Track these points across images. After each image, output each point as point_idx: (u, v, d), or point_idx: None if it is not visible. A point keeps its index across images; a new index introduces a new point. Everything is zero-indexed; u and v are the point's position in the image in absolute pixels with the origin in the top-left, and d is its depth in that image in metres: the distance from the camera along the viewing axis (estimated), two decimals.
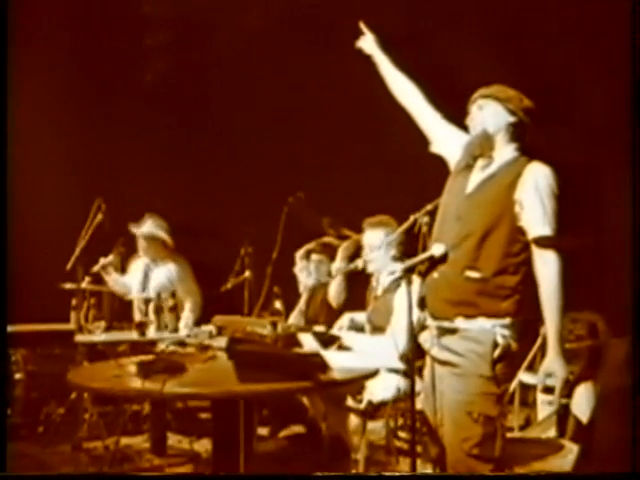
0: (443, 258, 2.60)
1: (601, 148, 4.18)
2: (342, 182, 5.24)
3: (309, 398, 4.18)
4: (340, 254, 4.39)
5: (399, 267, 2.77)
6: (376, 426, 4.16)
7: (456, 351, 2.51)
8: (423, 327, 2.67)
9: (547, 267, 2.42)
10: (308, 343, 2.79)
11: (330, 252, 4.56)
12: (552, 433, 3.70)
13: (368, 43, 3.04)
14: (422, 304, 2.64)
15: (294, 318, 4.60)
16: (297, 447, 4.42)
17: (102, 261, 4.78)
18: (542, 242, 2.44)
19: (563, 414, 3.56)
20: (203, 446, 4.26)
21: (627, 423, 2.47)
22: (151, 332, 4.29)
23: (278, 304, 4.01)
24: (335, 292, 4.38)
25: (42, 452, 4.37)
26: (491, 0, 4.72)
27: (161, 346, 3.36)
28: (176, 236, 5.07)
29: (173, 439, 4.61)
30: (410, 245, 3.42)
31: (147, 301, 4.52)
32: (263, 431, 4.62)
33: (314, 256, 4.65)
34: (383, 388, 3.52)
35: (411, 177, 4.88)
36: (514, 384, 4.03)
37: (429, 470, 3.10)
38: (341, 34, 3.30)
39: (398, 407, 3.82)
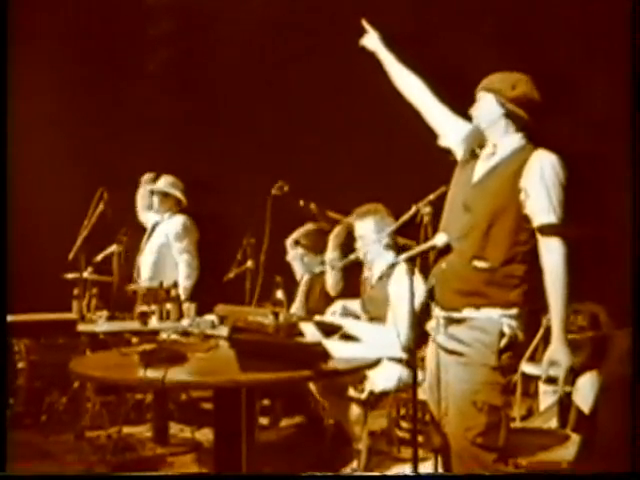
0: (446, 248, 2.61)
1: (604, 139, 4.16)
2: (343, 170, 5.22)
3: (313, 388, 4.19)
4: (331, 243, 4.37)
5: (400, 257, 2.78)
6: (378, 416, 4.16)
7: (463, 340, 2.51)
8: (427, 316, 2.67)
9: (552, 255, 2.41)
10: (310, 332, 2.79)
11: (319, 238, 4.53)
12: (554, 424, 3.70)
13: (372, 40, 3.03)
14: (431, 295, 2.64)
15: (295, 309, 4.60)
16: (299, 437, 4.43)
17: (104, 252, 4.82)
18: (547, 230, 2.43)
19: (565, 405, 3.56)
20: (205, 435, 4.28)
21: (627, 418, 2.46)
22: (153, 322, 4.30)
23: (279, 294, 3.99)
24: (333, 282, 4.38)
25: (45, 441, 4.39)
26: None
27: (163, 335, 3.36)
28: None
29: (175, 428, 4.63)
30: (404, 234, 3.42)
31: (150, 290, 4.53)
32: (265, 421, 4.64)
33: (298, 249, 4.63)
34: (385, 378, 3.52)
35: (410, 166, 4.87)
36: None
37: (430, 460, 3.12)
38: (344, 25, 3.29)
39: (400, 397, 3.83)
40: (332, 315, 3.76)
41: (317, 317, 3.54)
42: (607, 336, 3.63)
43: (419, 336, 2.68)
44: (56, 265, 4.85)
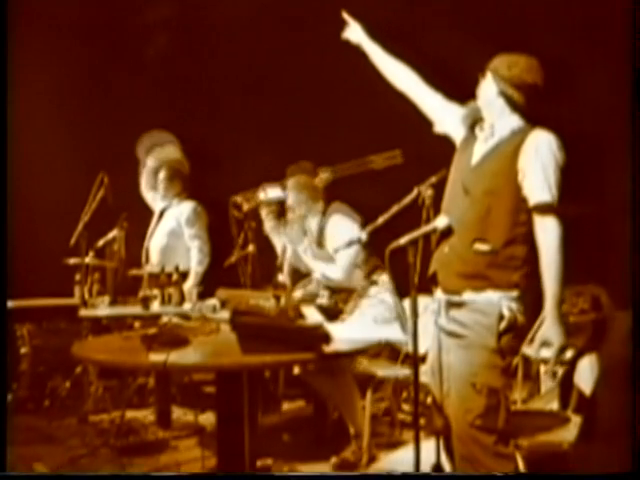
0: (447, 231, 2.61)
1: (603, 119, 4.13)
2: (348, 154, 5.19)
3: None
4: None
5: (401, 240, 2.77)
6: (379, 399, 4.19)
7: (463, 322, 2.52)
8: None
9: (547, 234, 2.41)
10: (311, 316, 2.80)
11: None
12: (555, 405, 3.71)
13: (354, 33, 3.03)
14: (433, 279, 2.64)
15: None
16: (302, 421, 4.45)
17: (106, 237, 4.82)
18: (542, 209, 2.43)
19: (566, 387, 3.57)
20: (208, 419, 4.29)
21: (628, 400, 2.46)
22: (155, 306, 4.30)
23: (281, 277, 4.01)
24: None
25: (48, 425, 4.42)
26: None
27: (164, 319, 3.37)
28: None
29: (178, 412, 4.65)
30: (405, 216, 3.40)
31: (152, 275, 4.53)
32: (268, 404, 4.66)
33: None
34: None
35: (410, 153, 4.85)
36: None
37: (432, 442, 3.13)
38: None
39: (402, 380, 3.84)
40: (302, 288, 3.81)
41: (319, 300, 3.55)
42: (608, 318, 3.63)
43: None
44: (58, 250, 4.85)
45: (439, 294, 2.63)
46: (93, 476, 2.78)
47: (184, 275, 4.43)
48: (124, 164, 5.22)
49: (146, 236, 5.25)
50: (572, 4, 4.36)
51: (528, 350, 3.89)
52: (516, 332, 2.51)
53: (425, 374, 2.85)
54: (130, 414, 4.48)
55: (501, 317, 2.45)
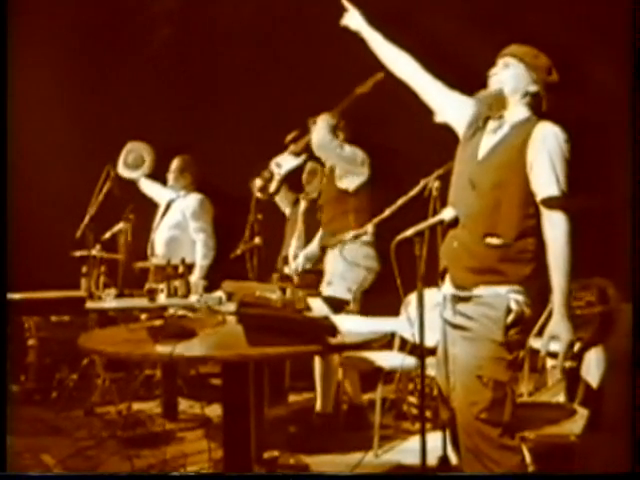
0: (455, 223, 2.60)
1: (609, 110, 4.11)
2: None
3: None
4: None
5: (407, 232, 2.77)
6: (386, 391, 4.18)
7: (469, 315, 2.51)
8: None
9: (555, 228, 2.40)
10: (317, 307, 2.80)
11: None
12: (561, 398, 3.71)
13: (354, 19, 3.00)
14: (443, 274, 2.64)
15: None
16: (308, 413, 4.45)
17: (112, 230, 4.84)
18: (550, 202, 2.41)
19: (573, 379, 3.56)
20: (214, 411, 4.30)
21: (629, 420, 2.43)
22: (161, 298, 4.31)
23: (287, 269, 4.01)
24: None
25: (56, 417, 4.44)
26: None
27: (170, 311, 3.37)
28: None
29: (184, 404, 4.66)
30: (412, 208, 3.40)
31: (158, 267, 4.54)
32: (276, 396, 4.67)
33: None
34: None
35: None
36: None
37: (439, 434, 3.14)
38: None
39: (408, 372, 3.85)
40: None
41: (324, 293, 3.54)
42: (615, 310, 3.62)
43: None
44: (65, 243, 4.86)
45: (446, 287, 2.62)
46: (93, 476, 2.78)
47: (190, 267, 4.44)
48: None
49: (152, 228, 5.27)
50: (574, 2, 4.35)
51: (536, 343, 3.89)
52: (523, 325, 2.49)
53: (432, 366, 2.85)
54: (137, 406, 4.51)
55: (509, 310, 2.44)
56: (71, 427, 4.25)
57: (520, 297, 2.45)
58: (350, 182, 4.20)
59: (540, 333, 4.07)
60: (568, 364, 2.41)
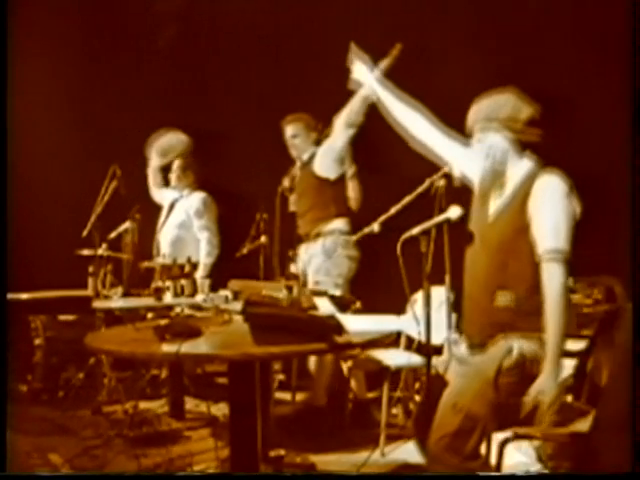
0: (460, 221, 2.61)
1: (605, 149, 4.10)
2: None
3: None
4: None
5: (413, 230, 2.76)
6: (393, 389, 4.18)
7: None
8: None
9: (551, 280, 2.35)
10: (323, 306, 2.79)
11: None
12: (568, 398, 3.70)
13: (367, 80, 3.05)
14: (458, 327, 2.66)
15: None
16: (314, 412, 4.45)
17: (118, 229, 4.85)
18: (548, 256, 2.38)
19: (579, 378, 3.55)
20: (220, 410, 4.31)
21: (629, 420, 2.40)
22: (167, 297, 4.32)
23: (293, 268, 4.01)
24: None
25: (62, 416, 4.45)
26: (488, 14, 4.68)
27: (177, 310, 3.38)
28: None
29: (191, 403, 4.67)
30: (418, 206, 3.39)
31: (164, 266, 4.54)
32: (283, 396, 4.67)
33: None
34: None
35: None
36: None
37: None
38: None
39: (415, 370, 3.85)
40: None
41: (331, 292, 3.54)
42: (622, 308, 3.61)
43: None
44: (71, 243, 4.87)
45: (459, 338, 2.65)
46: (93, 476, 2.79)
47: (194, 266, 4.45)
48: (136, 156, 5.24)
49: (157, 228, 5.28)
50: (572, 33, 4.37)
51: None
52: (521, 373, 2.43)
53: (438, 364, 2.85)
54: (143, 405, 4.51)
55: (509, 352, 2.42)
56: (78, 426, 4.26)
57: (525, 345, 2.42)
58: (332, 171, 4.24)
59: None
60: (548, 419, 2.33)
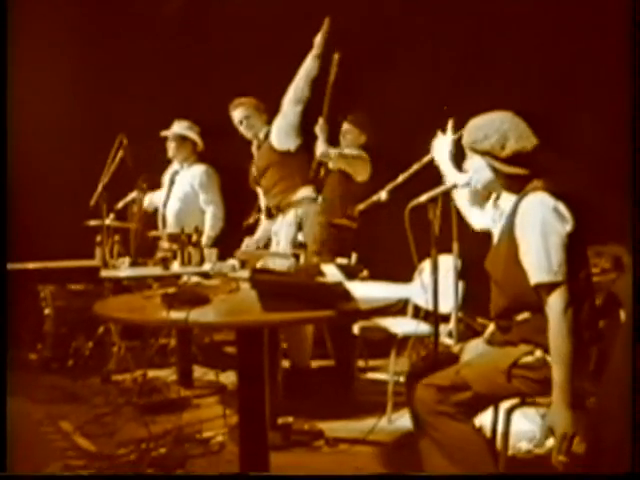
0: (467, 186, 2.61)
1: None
2: None
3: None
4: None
5: (422, 197, 2.75)
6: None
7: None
8: None
9: (551, 311, 2.28)
10: (331, 273, 2.79)
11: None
12: None
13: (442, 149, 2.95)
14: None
15: None
16: (323, 381, 4.48)
17: (125, 199, 4.85)
18: (540, 288, 2.31)
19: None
20: (228, 378, 4.34)
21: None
22: (175, 267, 4.33)
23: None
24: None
25: (73, 384, 4.49)
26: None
27: (184, 278, 3.39)
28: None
29: (199, 372, 4.71)
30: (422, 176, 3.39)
31: (171, 236, 4.55)
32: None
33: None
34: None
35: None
36: None
37: None
38: None
39: (422, 338, 3.86)
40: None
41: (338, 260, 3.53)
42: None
43: None
44: (79, 213, 4.87)
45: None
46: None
47: (189, 237, 4.47)
48: (143, 125, 5.22)
49: (160, 202, 5.28)
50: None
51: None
52: (533, 375, 2.39)
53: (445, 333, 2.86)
54: (152, 373, 4.55)
55: (530, 353, 2.38)
56: (88, 394, 4.31)
57: (548, 355, 2.33)
58: (291, 142, 4.36)
59: None
60: (561, 458, 2.21)
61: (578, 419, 2.23)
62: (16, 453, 3.04)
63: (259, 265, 2.98)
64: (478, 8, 4.69)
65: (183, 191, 5.23)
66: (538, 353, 2.38)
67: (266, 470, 2.63)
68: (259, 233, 4.64)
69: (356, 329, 4.01)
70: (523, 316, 2.43)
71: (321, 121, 4.38)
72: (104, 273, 4.43)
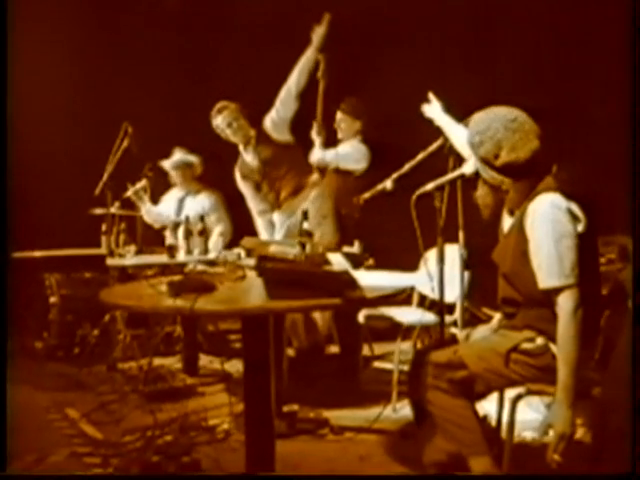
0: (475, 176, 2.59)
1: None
2: None
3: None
4: None
5: (428, 185, 2.75)
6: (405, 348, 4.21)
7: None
8: None
9: (561, 311, 2.28)
10: (337, 262, 2.79)
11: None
12: None
13: (435, 111, 3.07)
14: None
15: None
16: (328, 368, 4.49)
17: (134, 187, 4.82)
18: (550, 292, 2.31)
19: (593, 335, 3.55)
20: (234, 366, 4.35)
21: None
22: (181, 255, 4.34)
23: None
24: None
25: (79, 372, 4.50)
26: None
27: (190, 266, 3.39)
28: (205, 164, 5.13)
29: (204, 360, 4.72)
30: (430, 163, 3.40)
31: (176, 225, 4.55)
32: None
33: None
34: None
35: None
36: None
37: None
38: None
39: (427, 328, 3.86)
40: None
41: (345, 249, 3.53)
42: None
43: None
44: (85, 201, 4.87)
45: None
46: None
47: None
48: (148, 113, 5.21)
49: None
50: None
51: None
52: (542, 363, 2.39)
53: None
54: (157, 362, 4.57)
55: (531, 339, 2.40)
56: (94, 382, 4.32)
57: (552, 343, 2.35)
58: (287, 134, 4.34)
59: None
60: (555, 457, 2.22)
61: (583, 408, 2.24)
62: (23, 440, 3.07)
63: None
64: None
65: (194, 212, 5.12)
66: (540, 340, 2.39)
67: (271, 458, 2.64)
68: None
69: (361, 318, 4.00)
70: (529, 307, 2.43)
71: (316, 126, 4.45)
72: (110, 261, 4.44)
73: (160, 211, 5.10)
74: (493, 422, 2.89)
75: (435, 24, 5.02)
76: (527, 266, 2.37)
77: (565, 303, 2.26)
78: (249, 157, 4.42)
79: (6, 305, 2.79)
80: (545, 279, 2.30)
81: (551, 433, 2.28)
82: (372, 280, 2.64)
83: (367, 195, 3.99)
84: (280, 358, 3.53)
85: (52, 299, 4.94)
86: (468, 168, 2.65)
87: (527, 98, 2.66)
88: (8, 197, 2.70)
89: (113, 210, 4.74)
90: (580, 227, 2.33)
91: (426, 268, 3.06)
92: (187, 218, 4.50)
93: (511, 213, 2.54)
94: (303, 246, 2.92)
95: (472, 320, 3.91)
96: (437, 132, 3.20)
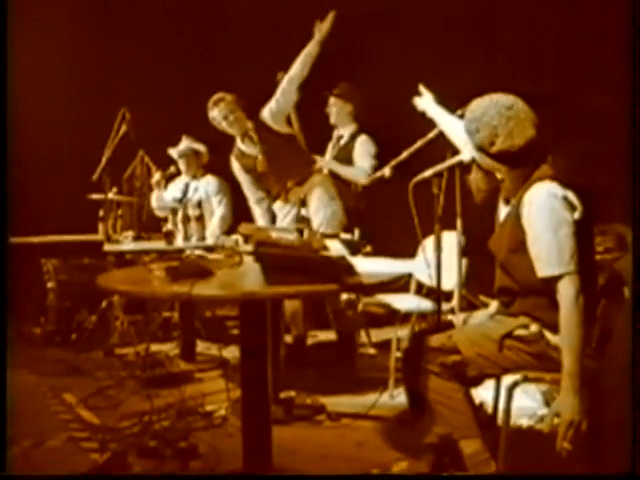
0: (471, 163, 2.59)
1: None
2: None
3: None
4: None
5: (426, 172, 2.75)
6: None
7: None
8: None
9: (562, 299, 2.27)
10: (335, 248, 2.79)
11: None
12: None
13: (426, 103, 3.06)
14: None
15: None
16: (325, 355, 4.50)
17: (157, 176, 4.82)
18: (549, 281, 2.30)
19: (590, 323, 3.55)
20: (231, 352, 4.36)
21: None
22: (178, 241, 4.33)
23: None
24: None
25: (76, 358, 4.51)
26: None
27: (187, 252, 3.39)
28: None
29: (202, 346, 4.73)
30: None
31: (174, 211, 4.54)
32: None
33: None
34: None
35: None
36: None
37: None
38: None
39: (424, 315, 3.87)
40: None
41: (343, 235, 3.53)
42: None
43: None
44: (82, 187, 4.87)
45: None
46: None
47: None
48: (145, 99, 5.20)
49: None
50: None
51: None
52: (536, 349, 2.40)
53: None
54: (155, 347, 4.57)
55: (525, 326, 2.40)
56: (91, 367, 4.33)
57: (547, 330, 2.36)
58: (285, 125, 4.33)
59: None
60: (565, 445, 2.21)
61: (582, 398, 2.23)
62: (21, 425, 3.08)
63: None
64: None
65: (199, 197, 5.12)
66: (534, 327, 2.39)
67: (268, 444, 2.64)
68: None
69: (359, 305, 4.00)
70: (526, 296, 2.44)
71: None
72: (107, 247, 4.44)
73: (167, 197, 5.11)
74: (489, 409, 2.90)
75: (433, 11, 5.00)
76: (523, 255, 2.37)
77: (566, 290, 2.26)
78: (247, 149, 4.40)
79: (5, 291, 2.79)
80: (545, 268, 2.30)
81: (549, 417, 2.29)
82: (370, 267, 2.64)
83: (365, 182, 4.00)
84: (277, 344, 3.54)
85: (49, 285, 4.94)
86: (466, 155, 2.64)
87: (525, 85, 2.66)
88: (6, 183, 2.70)
89: (111, 196, 4.73)
90: (577, 215, 2.32)
91: (424, 255, 3.07)
92: (185, 204, 4.49)
93: (507, 202, 2.54)
94: (301, 232, 2.91)
95: (469, 307, 3.92)
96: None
